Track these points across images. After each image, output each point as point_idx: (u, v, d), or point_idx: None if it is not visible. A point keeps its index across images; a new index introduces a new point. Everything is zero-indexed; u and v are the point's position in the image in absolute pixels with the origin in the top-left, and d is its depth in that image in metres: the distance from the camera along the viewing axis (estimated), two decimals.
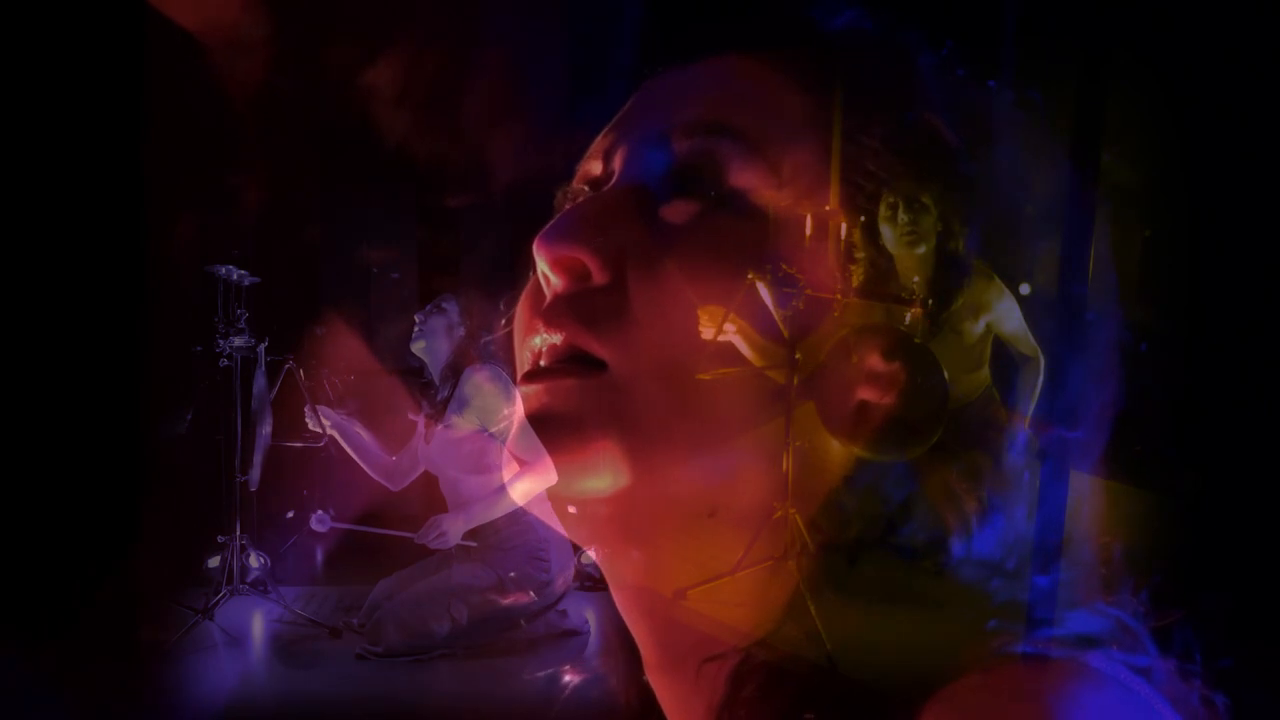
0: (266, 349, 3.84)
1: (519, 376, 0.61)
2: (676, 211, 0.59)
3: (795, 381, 0.56)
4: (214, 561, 3.91)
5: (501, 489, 3.49)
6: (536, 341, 0.59)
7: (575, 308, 0.57)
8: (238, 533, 3.80)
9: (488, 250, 5.07)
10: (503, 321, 0.70)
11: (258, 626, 3.74)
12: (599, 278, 0.57)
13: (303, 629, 3.68)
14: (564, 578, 3.62)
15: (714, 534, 0.58)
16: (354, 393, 4.69)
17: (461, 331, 3.58)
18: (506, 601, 3.47)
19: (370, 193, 5.17)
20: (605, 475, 0.57)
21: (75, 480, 4.27)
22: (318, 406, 3.77)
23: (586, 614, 3.77)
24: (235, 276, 3.78)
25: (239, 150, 4.65)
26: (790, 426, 0.56)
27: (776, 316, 0.55)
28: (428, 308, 3.63)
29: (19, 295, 4.21)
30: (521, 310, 0.63)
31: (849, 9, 0.62)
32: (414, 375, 5.03)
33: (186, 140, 4.51)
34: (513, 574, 3.49)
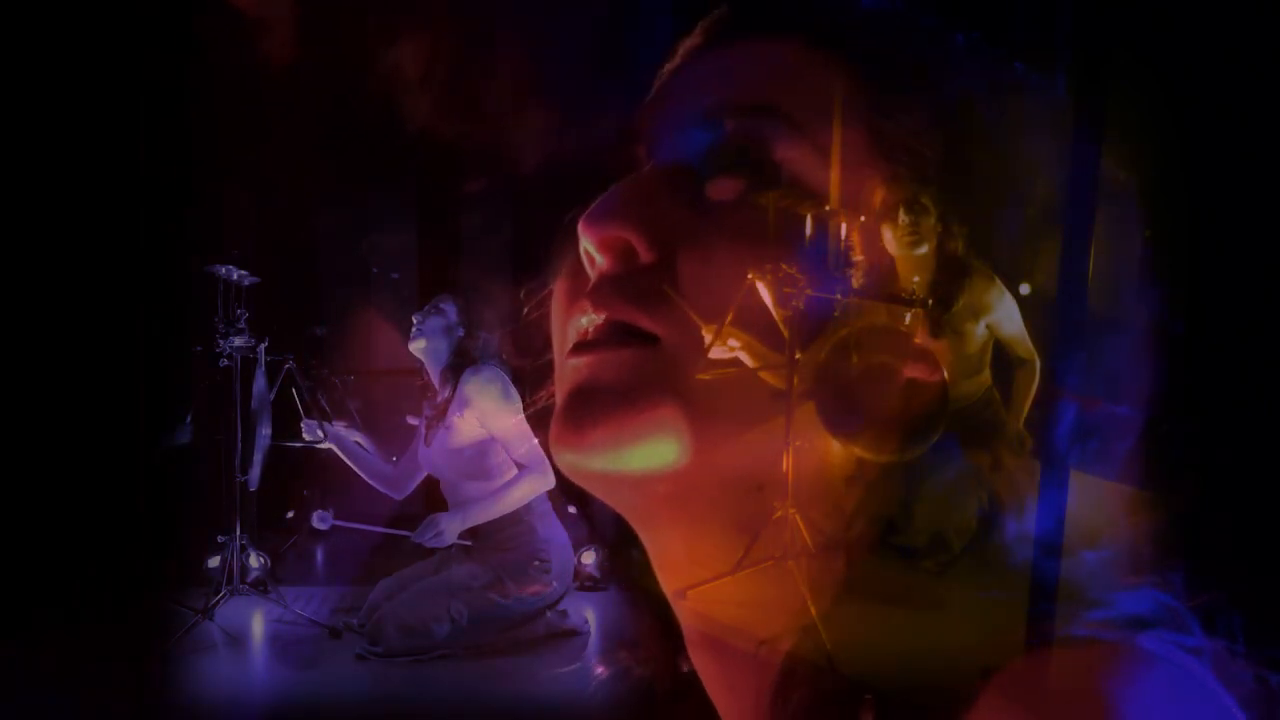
0: (266, 349, 3.83)
1: (566, 352, 0.60)
2: (722, 190, 0.58)
3: (795, 381, 0.56)
4: (214, 561, 3.91)
5: (500, 490, 3.49)
6: (584, 321, 0.58)
7: (623, 288, 0.57)
8: (238, 533, 3.80)
9: (488, 250, 5.07)
10: (524, 309, 0.70)
11: (258, 626, 3.74)
12: (646, 257, 0.57)
13: (303, 629, 3.68)
14: (564, 578, 3.61)
15: (760, 508, 0.58)
16: (354, 393, 4.69)
17: (461, 332, 3.57)
18: (506, 601, 3.47)
19: (370, 193, 5.17)
20: (656, 448, 0.56)
21: (75, 480, 4.27)
22: (312, 420, 3.74)
23: (586, 614, 3.77)
24: (235, 276, 3.77)
25: (239, 150, 4.65)
26: (790, 426, 0.56)
27: (776, 316, 0.55)
28: (426, 308, 3.62)
29: (19, 295, 4.21)
30: (560, 291, 0.63)
31: None
32: (414, 376, 5.03)
33: (186, 140, 4.51)
34: (513, 574, 3.49)
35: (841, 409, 0.54)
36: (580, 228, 0.58)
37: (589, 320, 0.58)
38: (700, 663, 0.65)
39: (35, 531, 4.06)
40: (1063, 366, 0.58)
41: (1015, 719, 0.46)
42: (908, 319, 0.61)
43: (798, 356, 0.55)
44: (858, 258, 0.56)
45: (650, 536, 0.65)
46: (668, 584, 0.66)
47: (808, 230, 0.56)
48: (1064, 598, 0.52)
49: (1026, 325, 0.72)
